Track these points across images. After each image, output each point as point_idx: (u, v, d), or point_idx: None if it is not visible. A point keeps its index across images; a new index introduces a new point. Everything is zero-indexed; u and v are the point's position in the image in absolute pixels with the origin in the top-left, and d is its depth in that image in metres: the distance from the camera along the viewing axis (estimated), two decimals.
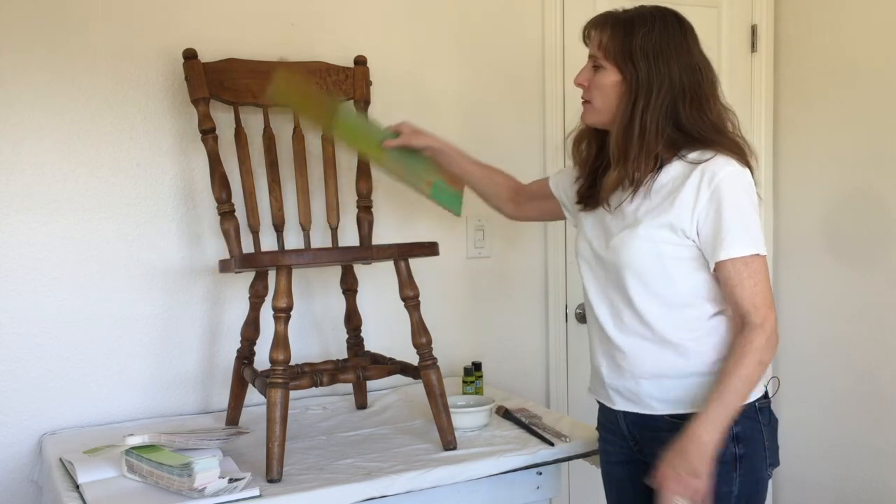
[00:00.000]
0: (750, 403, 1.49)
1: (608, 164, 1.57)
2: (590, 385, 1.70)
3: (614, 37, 1.49)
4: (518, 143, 2.53)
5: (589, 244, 1.61)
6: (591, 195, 1.62)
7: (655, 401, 1.52)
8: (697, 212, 1.43)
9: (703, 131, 1.47)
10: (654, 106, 1.45)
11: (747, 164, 1.47)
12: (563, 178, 1.78)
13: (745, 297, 1.43)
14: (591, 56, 1.54)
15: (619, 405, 1.59)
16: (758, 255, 1.43)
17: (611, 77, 1.50)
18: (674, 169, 1.48)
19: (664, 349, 1.50)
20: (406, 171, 1.83)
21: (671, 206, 1.45)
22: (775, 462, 1.54)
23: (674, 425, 1.49)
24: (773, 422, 1.55)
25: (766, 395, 1.54)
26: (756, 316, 1.43)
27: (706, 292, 1.49)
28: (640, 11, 1.50)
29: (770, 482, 1.53)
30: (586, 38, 1.56)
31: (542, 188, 1.85)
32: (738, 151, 1.47)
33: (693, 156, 1.46)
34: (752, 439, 1.49)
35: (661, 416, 1.52)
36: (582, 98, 1.57)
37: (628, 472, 1.64)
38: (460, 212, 1.91)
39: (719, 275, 1.45)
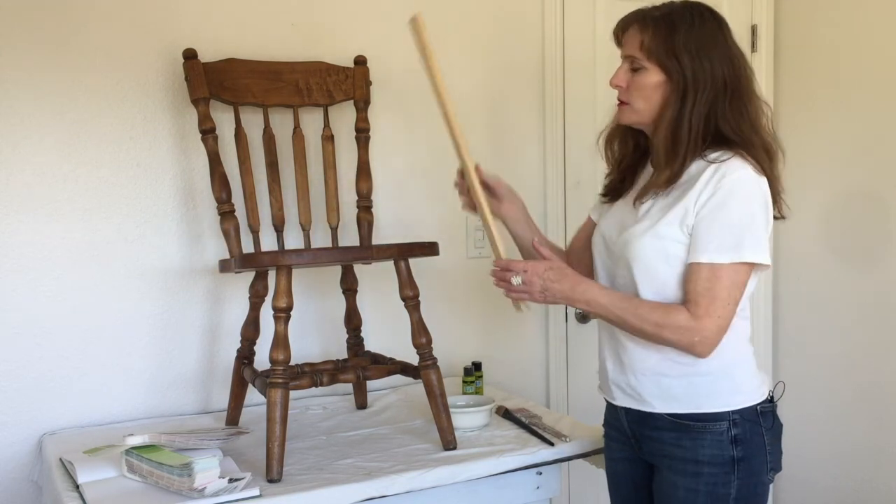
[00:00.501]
0: (751, 406, 1.48)
1: (641, 161, 1.57)
2: (599, 382, 1.71)
3: (657, 36, 1.45)
4: (518, 143, 2.53)
5: (603, 236, 1.61)
6: (618, 189, 1.61)
7: (655, 398, 1.52)
8: (698, 206, 1.42)
9: (741, 129, 1.45)
10: (700, 103, 1.44)
11: (765, 171, 1.44)
12: (600, 209, 1.72)
13: (689, 291, 1.42)
14: (627, 57, 1.50)
15: (620, 401, 1.58)
16: (737, 263, 1.40)
17: (653, 77, 1.47)
18: (694, 168, 1.46)
19: (666, 347, 1.48)
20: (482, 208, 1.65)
21: (680, 202, 1.44)
22: (777, 467, 1.53)
23: (674, 425, 1.50)
24: (776, 426, 1.53)
25: (770, 399, 1.53)
26: (695, 310, 1.41)
27: None
28: (675, 7, 1.48)
29: (773, 450, 1.52)
30: (618, 39, 1.53)
31: (588, 231, 1.74)
32: (764, 155, 1.45)
33: (713, 155, 1.44)
34: (752, 443, 1.48)
35: (661, 415, 1.51)
36: (618, 99, 1.54)
37: (630, 470, 1.64)
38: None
39: (685, 271, 1.44)
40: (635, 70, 1.49)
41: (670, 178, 1.46)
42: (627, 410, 1.58)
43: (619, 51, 1.55)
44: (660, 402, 1.51)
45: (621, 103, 1.53)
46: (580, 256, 1.75)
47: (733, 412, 1.47)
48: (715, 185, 1.40)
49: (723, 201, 1.40)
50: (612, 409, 1.66)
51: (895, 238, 2.49)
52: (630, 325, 1.46)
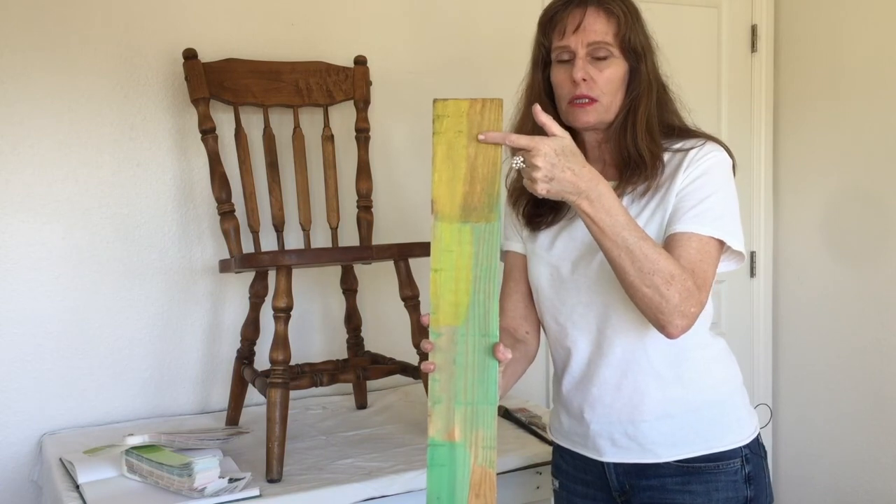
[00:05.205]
0: (756, 439, 1.36)
1: None
2: (552, 426, 1.48)
3: (625, 21, 1.28)
4: None
5: (555, 266, 1.37)
6: (541, 213, 1.39)
7: (660, 445, 1.32)
8: (682, 186, 1.28)
9: (682, 120, 1.36)
10: (654, 95, 1.32)
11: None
12: (509, 233, 1.48)
13: (683, 260, 1.22)
14: (593, 44, 1.28)
15: (609, 456, 1.35)
16: (718, 240, 1.25)
17: (621, 68, 1.30)
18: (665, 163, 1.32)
19: (663, 379, 1.31)
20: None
21: (666, 198, 1.29)
22: (772, 499, 1.39)
23: (681, 470, 1.32)
24: (765, 453, 1.41)
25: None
26: (694, 280, 1.22)
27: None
28: None
29: (770, 481, 1.46)
30: (566, 26, 1.30)
31: (522, 267, 1.47)
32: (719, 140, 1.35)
33: (679, 145, 1.32)
34: (759, 479, 1.35)
35: (667, 464, 1.32)
36: (584, 96, 1.29)
37: None
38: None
39: (666, 243, 1.25)
40: (601, 59, 1.29)
41: (651, 186, 1.30)
42: (618, 464, 1.35)
43: (563, 39, 1.31)
44: (666, 448, 1.32)
45: (589, 101, 1.29)
46: (530, 310, 1.45)
47: (744, 447, 1.33)
48: (697, 167, 1.28)
49: (705, 173, 1.27)
50: (585, 463, 1.40)
51: (895, 237, 2.49)
52: (638, 262, 1.17)
